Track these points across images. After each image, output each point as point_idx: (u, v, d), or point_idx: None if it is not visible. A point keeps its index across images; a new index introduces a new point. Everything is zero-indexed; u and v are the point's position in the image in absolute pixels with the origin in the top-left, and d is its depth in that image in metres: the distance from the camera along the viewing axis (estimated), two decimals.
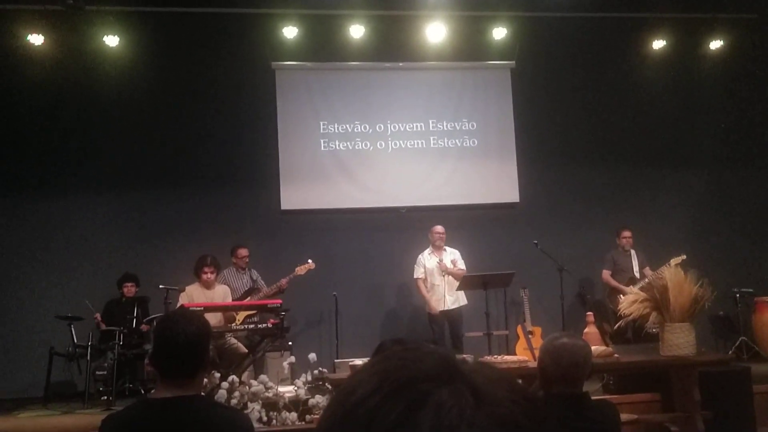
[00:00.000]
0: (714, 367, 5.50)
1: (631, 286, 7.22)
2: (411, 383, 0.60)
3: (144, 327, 7.59)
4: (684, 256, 7.62)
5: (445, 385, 0.59)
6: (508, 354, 7.31)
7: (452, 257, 8.10)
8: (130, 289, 7.93)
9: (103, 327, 7.60)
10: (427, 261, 8.12)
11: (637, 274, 8.31)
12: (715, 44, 9.45)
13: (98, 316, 7.69)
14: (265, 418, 5.37)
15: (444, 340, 7.96)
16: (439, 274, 8.01)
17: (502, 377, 0.63)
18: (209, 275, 6.95)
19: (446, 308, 7.97)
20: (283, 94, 9.18)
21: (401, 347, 0.66)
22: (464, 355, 4.95)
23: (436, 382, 0.59)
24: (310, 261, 7.78)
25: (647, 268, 8.29)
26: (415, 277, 8.17)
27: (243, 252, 7.85)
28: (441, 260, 8.03)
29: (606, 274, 8.46)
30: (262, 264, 8.07)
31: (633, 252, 8.49)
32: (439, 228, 8.16)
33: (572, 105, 9.46)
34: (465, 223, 8.93)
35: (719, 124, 9.69)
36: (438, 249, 8.12)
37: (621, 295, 7.62)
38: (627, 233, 8.49)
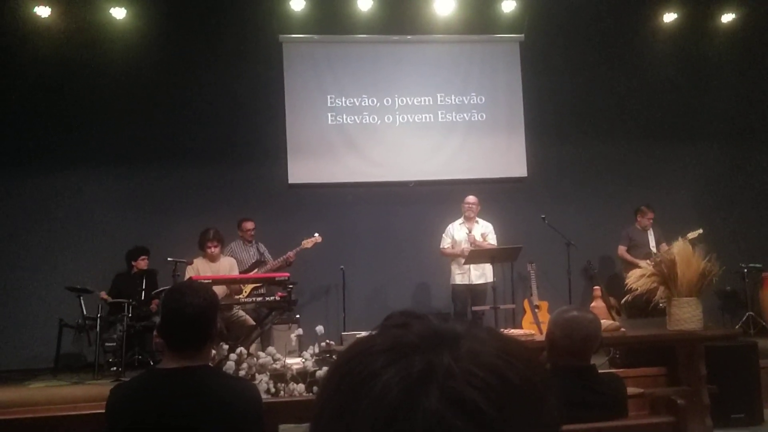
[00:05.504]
0: (720, 342, 5.50)
1: (648, 261, 7.15)
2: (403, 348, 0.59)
3: (153, 306, 7.58)
4: (701, 230, 7.52)
5: (426, 352, 0.58)
6: (514, 328, 7.33)
7: (483, 230, 7.81)
8: (142, 263, 7.93)
9: (110, 300, 7.61)
10: (456, 232, 7.82)
11: (654, 249, 8.19)
12: (727, 17, 9.33)
13: (104, 294, 7.69)
14: (273, 389, 5.40)
15: (466, 314, 7.64)
16: (467, 246, 7.64)
17: (498, 338, 0.62)
18: (213, 249, 6.98)
19: (471, 282, 7.66)
20: (290, 67, 9.13)
21: (399, 316, 0.65)
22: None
23: (427, 349, 0.59)
24: (316, 234, 7.77)
25: (664, 243, 8.16)
26: (441, 246, 7.92)
27: (249, 225, 7.85)
28: (470, 232, 7.76)
29: (622, 249, 8.41)
30: (270, 237, 8.07)
31: (650, 229, 8.43)
32: (470, 198, 7.86)
33: (581, 79, 9.37)
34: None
35: (730, 98, 9.59)
36: (469, 220, 7.83)
37: None
38: (651, 214, 8.37)
